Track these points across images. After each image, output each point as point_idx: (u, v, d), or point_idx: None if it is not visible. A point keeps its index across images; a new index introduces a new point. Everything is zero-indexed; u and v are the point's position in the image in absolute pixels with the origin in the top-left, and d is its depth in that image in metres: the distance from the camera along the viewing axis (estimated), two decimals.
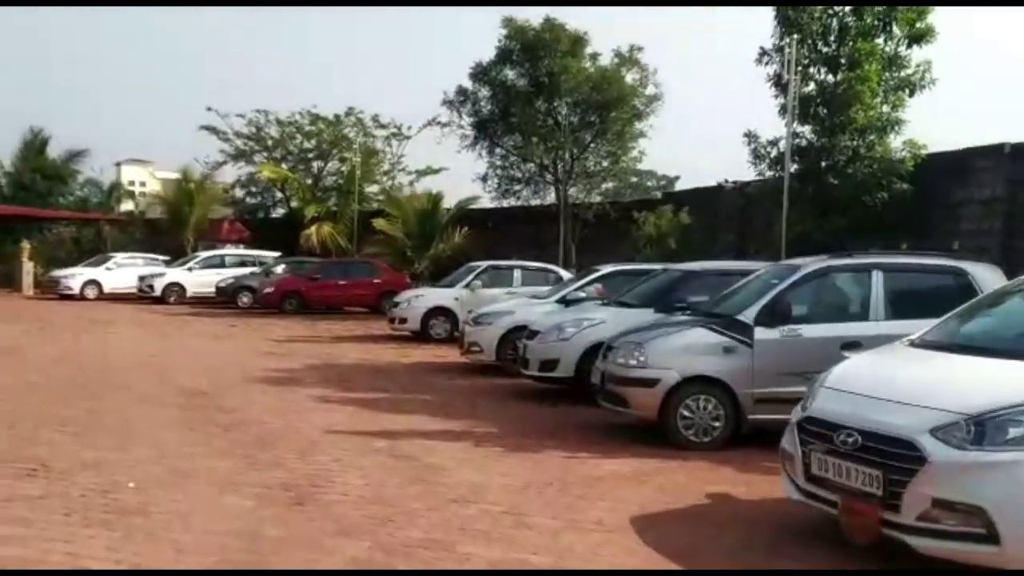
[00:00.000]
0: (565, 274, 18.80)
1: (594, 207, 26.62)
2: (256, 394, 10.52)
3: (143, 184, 70.99)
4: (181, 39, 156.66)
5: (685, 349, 7.97)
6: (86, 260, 32.56)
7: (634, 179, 28.56)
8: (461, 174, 47.92)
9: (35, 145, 41.41)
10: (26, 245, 33.25)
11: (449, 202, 31.64)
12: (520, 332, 12.48)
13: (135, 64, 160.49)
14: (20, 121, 50.49)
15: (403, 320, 18.22)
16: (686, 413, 7.83)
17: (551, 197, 27.88)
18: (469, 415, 9.29)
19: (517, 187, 27.31)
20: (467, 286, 18.08)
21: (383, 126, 36.68)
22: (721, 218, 23.88)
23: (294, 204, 36.89)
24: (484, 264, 18.80)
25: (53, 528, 5.15)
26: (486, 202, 30.57)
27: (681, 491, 6.42)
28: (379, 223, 31.01)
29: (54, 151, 41.56)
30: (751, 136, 18.67)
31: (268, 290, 25.57)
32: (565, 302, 12.65)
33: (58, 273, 30.69)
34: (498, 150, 26.82)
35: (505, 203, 28.19)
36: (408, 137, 36.72)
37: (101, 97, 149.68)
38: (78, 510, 5.52)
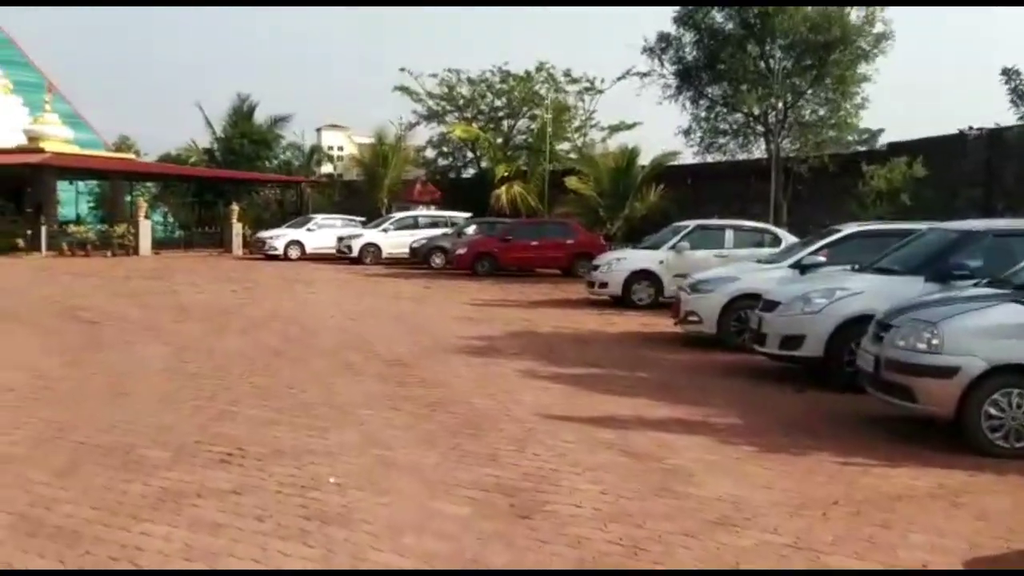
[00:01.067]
0: (785, 235, 16.94)
1: (810, 160, 24.18)
2: (459, 366, 9.68)
3: (341, 149, 73.59)
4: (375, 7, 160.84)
5: (993, 330, 6.27)
6: (289, 221, 33.61)
7: (831, 133, 25.60)
8: (657, 129, 45.61)
9: (243, 111, 43.29)
10: (235, 208, 34.76)
11: (644, 159, 30.13)
12: (746, 301, 11.04)
13: (333, 33, 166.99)
14: (230, 90, 53.21)
15: (603, 284, 17.04)
16: (993, 411, 6.17)
17: (758, 151, 25.70)
18: (700, 400, 7.98)
19: (723, 140, 25.25)
20: (673, 248, 16.63)
21: (575, 81, 35.40)
22: (962, 171, 21.00)
23: (484, 164, 36.46)
24: (692, 224, 17.23)
25: (244, 539, 4.36)
26: (685, 158, 28.78)
27: (1014, 520, 4.86)
28: (571, 182, 29.95)
29: (259, 117, 43.36)
30: (1010, 74, 15.99)
31: (460, 251, 25.17)
32: (800, 267, 11.00)
33: (264, 234, 31.80)
34: (703, 100, 24.84)
35: (709, 158, 26.18)
36: (601, 91, 35.31)
37: (303, 68, 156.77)
38: (273, 512, 4.72)
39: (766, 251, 16.34)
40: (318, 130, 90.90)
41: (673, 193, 28.66)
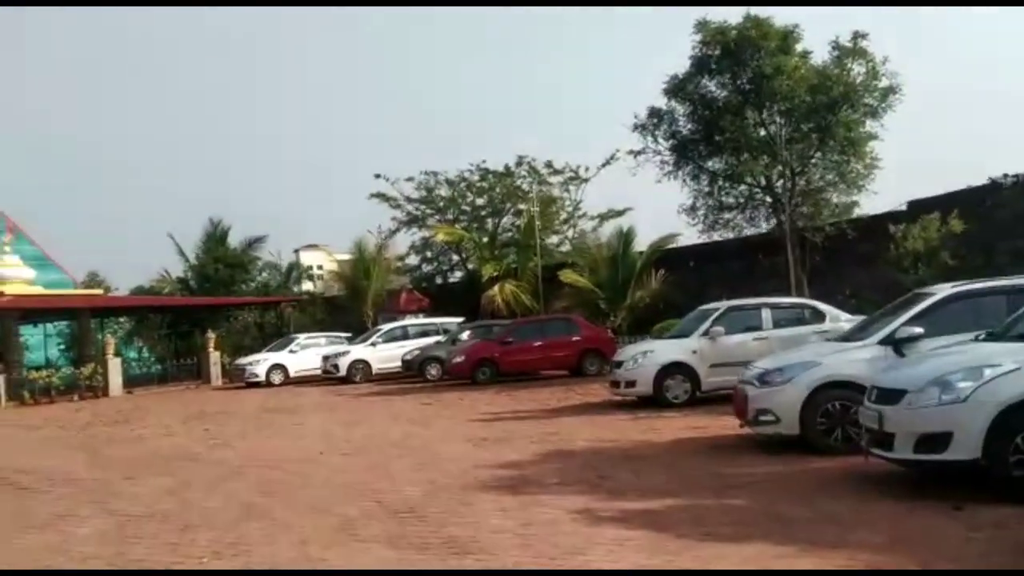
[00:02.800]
0: (829, 309, 15.00)
1: (826, 228, 22.45)
2: (491, 511, 7.39)
3: (320, 267, 72.03)
4: (334, 118, 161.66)
5: None
6: (270, 344, 31.41)
7: (844, 198, 23.98)
8: (654, 211, 43.73)
9: (216, 236, 41.50)
10: (211, 335, 32.51)
11: (641, 243, 28.62)
12: (833, 391, 9.01)
13: (303, 152, 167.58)
14: (202, 213, 51.48)
15: (630, 383, 14.89)
16: None
17: (766, 224, 24.01)
18: (840, 537, 5.76)
19: (728, 215, 23.53)
20: (706, 334, 14.59)
21: (558, 172, 34.02)
22: (998, 223, 19.31)
23: (471, 265, 34.67)
24: (722, 306, 15.23)
25: None
26: (688, 238, 27.19)
27: None
28: (566, 275, 28.37)
29: (233, 240, 41.59)
30: None
31: (458, 359, 23.02)
32: (894, 343, 8.94)
33: (243, 361, 29.54)
34: (703, 175, 23.21)
35: (716, 235, 24.41)
36: (586, 180, 33.90)
37: (276, 190, 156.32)
38: None
39: (809, 329, 14.47)
40: (296, 251, 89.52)
41: (675, 277, 27.03)
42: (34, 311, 32.28)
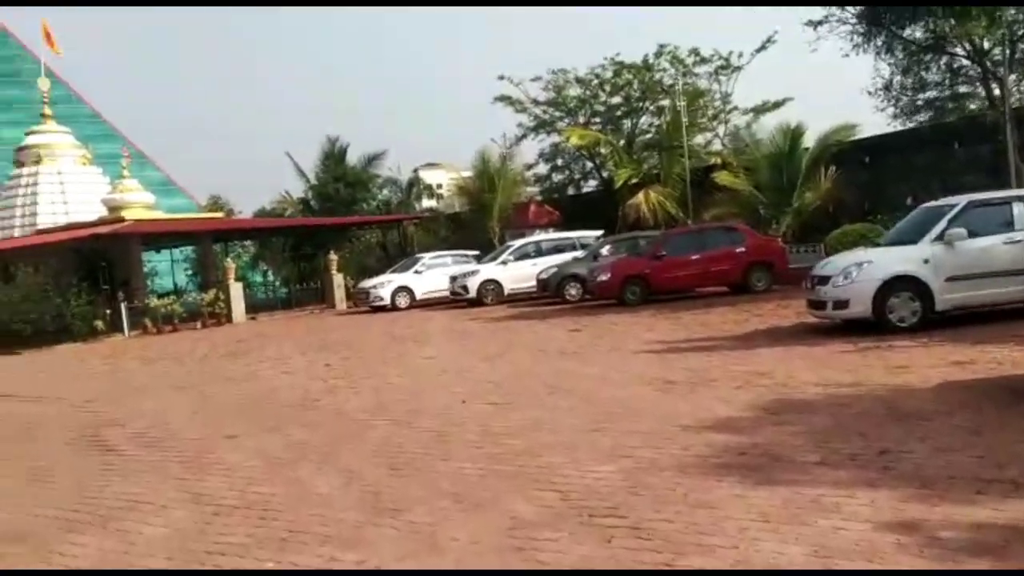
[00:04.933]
0: None
1: None
2: (743, 517, 4.71)
3: (440, 186, 70.33)
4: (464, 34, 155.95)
5: None
6: (394, 265, 29.52)
7: None
8: (811, 103, 39.10)
9: (335, 154, 39.88)
10: (333, 257, 30.86)
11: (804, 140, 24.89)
12: None
13: (419, 71, 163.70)
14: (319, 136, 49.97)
15: (840, 304, 11.77)
16: None
17: (972, 105, 19.88)
18: None
19: (928, 95, 19.48)
20: (940, 239, 11.33)
21: (705, 60, 30.05)
22: None
23: (607, 173, 31.51)
24: (959, 201, 11.86)
25: None
26: (868, 128, 23.23)
27: None
28: (721, 177, 25.07)
29: (352, 158, 39.86)
30: None
31: (603, 277, 20.32)
32: None
33: (367, 283, 27.71)
34: (898, 45, 19.14)
35: (911, 123, 20.44)
36: (739, 68, 29.85)
37: (392, 110, 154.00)
38: None
39: None
40: (415, 170, 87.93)
41: (845, 176, 23.43)
42: (156, 236, 31.45)
